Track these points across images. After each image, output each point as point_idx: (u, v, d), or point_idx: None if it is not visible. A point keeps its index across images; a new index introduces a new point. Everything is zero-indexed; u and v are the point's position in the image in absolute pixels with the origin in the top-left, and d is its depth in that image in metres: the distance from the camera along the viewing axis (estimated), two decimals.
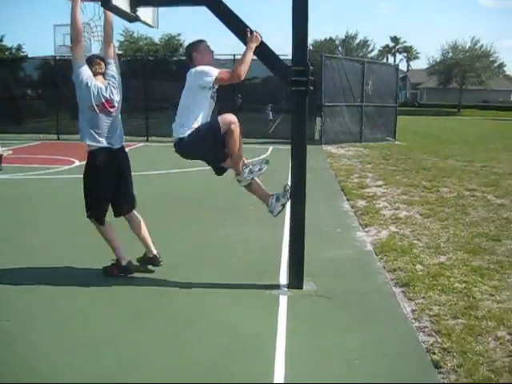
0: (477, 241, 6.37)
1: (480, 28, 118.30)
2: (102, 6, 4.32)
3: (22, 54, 43.09)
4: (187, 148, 4.61)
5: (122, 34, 49.88)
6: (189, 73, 4.55)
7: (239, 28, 4.47)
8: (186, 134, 4.53)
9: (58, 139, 20.45)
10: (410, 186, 10.06)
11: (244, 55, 4.42)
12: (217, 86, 4.61)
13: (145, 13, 5.08)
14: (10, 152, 12.78)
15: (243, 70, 4.39)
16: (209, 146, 4.62)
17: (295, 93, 4.44)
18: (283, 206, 4.86)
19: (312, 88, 4.53)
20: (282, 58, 4.83)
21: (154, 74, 23.28)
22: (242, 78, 4.43)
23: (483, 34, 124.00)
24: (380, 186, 10.10)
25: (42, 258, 5.63)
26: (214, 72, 4.42)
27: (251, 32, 4.43)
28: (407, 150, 16.78)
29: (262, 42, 4.45)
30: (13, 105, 22.79)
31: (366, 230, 6.94)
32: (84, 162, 5.10)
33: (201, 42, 4.75)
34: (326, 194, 9.52)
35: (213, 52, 4.77)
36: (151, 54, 44.98)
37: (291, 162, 4.73)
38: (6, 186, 10.23)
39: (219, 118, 4.57)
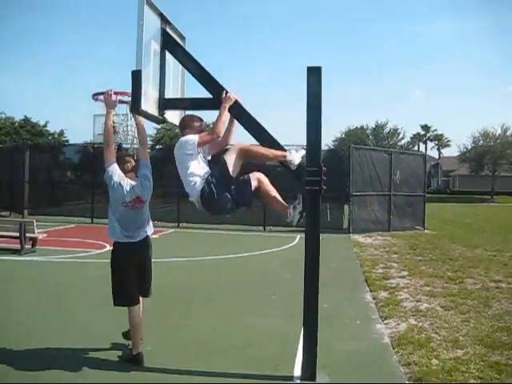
0: (497, 335, 6.37)
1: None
2: (130, 111, 4.75)
3: (63, 138, 45.29)
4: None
5: None
6: (175, 147, 4.94)
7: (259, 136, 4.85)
8: (199, 190, 4.84)
9: (92, 222, 21.07)
10: (434, 277, 10.08)
11: (219, 115, 4.85)
12: (207, 151, 5.10)
13: (172, 115, 5.52)
14: (45, 235, 13.32)
15: (221, 128, 4.85)
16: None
17: (309, 192, 4.72)
18: (301, 214, 5.04)
19: (325, 187, 4.80)
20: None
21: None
22: (221, 135, 4.90)
23: None
24: (404, 277, 10.15)
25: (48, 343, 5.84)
26: (194, 138, 4.84)
27: (226, 92, 4.88)
28: (435, 239, 16.79)
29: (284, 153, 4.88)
30: (52, 188, 23.80)
31: (386, 322, 7.00)
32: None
33: (195, 119, 5.18)
34: (349, 285, 9.60)
35: (202, 122, 5.21)
36: None
37: (304, 261, 4.90)
38: (35, 268, 10.65)
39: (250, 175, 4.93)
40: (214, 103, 4.94)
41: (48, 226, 18.39)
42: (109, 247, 13.06)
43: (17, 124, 45.86)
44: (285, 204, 5.03)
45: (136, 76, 4.54)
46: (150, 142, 37.50)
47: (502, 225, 23.50)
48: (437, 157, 79.76)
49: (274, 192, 5.01)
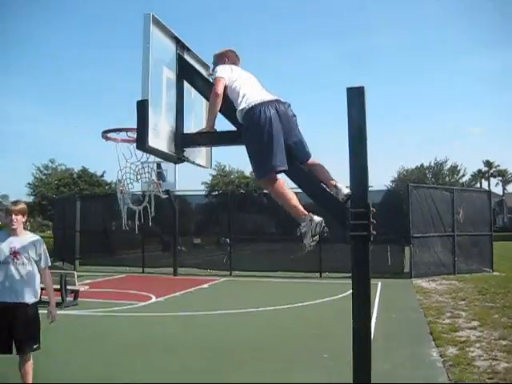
0: None
1: None
2: (137, 148, 4.07)
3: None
4: None
5: (214, 168, 51.90)
6: None
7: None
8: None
9: (143, 272, 20.62)
10: (510, 328, 8.89)
11: None
12: None
13: (195, 153, 4.83)
14: (87, 287, 12.79)
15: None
16: None
17: (355, 238, 3.88)
18: (313, 238, 4.05)
19: (375, 232, 3.96)
20: None
21: (243, 207, 23.67)
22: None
23: None
24: (474, 328, 8.98)
25: None
26: None
27: None
28: (507, 282, 15.35)
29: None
30: (105, 237, 23.57)
31: None
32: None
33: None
34: (411, 340, 8.53)
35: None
36: (242, 186, 46.28)
37: (352, 325, 3.96)
38: (70, 322, 9.96)
39: None
40: (238, 136, 4.21)
41: (98, 275, 18.06)
42: (154, 299, 12.51)
43: (75, 175, 46.87)
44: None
45: (141, 107, 3.87)
46: (205, 189, 37.36)
47: None
48: (501, 193, 76.69)
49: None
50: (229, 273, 19.50)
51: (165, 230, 22.01)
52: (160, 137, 4.12)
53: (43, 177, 48.57)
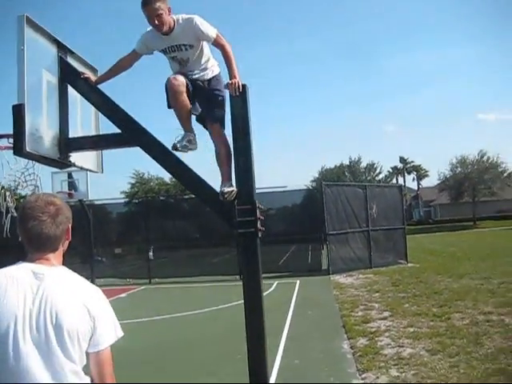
0: (493, 379, 5.50)
1: (486, 139, 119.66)
2: (14, 153, 3.87)
3: None
4: None
5: (132, 177, 50.98)
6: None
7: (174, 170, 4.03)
8: None
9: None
10: (418, 316, 9.20)
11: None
12: None
13: (83, 158, 4.67)
14: None
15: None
16: None
17: (243, 235, 3.86)
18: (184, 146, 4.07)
19: (263, 228, 3.96)
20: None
21: (165, 214, 23.47)
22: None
23: (491, 145, 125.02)
24: (385, 319, 9.23)
25: None
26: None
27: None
28: (419, 272, 15.92)
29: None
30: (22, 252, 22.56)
31: (363, 376, 6.09)
32: None
33: None
34: (324, 333, 8.68)
35: None
36: (162, 194, 45.71)
37: (245, 322, 3.93)
38: None
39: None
40: (123, 138, 4.12)
41: None
42: None
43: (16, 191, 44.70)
44: None
45: (17, 111, 3.71)
46: (124, 199, 36.73)
47: (487, 251, 22.68)
48: (416, 188, 79.66)
49: None
50: (148, 281, 19.17)
51: (82, 241, 21.40)
52: (41, 142, 3.95)
53: None
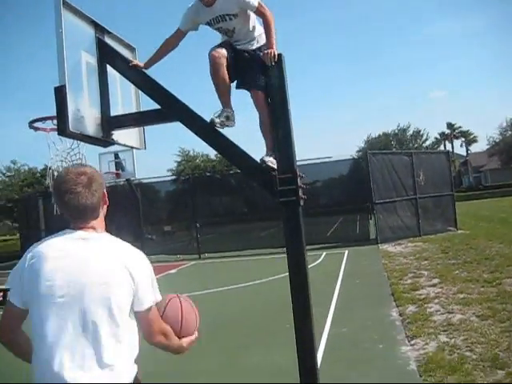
0: None
1: None
2: (58, 134, 3.99)
3: None
4: None
5: (178, 154, 51.51)
6: None
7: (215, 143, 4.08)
8: None
9: None
10: (468, 282, 9.09)
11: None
12: None
13: (126, 135, 4.76)
14: None
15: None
16: None
17: (285, 205, 3.89)
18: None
19: (305, 197, 3.97)
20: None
21: (211, 190, 23.68)
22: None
23: None
24: (435, 286, 9.16)
25: None
26: None
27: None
28: (469, 239, 15.65)
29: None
30: None
31: (412, 342, 6.07)
32: None
33: None
34: (373, 302, 8.66)
35: None
36: (208, 170, 46.07)
37: (290, 291, 3.95)
38: None
39: None
40: (163, 114, 4.18)
41: None
42: None
43: (38, 174, 46.02)
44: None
45: (59, 93, 3.80)
46: (171, 177, 37.14)
47: None
48: (465, 154, 77.74)
49: None
50: (198, 256, 19.46)
51: (131, 219, 21.82)
52: (83, 121, 4.05)
53: (6, 179, 47.62)
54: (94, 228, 2.26)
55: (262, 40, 4.20)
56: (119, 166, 17.93)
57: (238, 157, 4.09)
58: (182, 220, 23.86)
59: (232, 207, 24.60)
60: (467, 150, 78.15)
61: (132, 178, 18.92)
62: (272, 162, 3.90)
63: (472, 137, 76.08)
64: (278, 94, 3.92)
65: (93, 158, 19.76)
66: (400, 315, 7.45)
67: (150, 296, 2.23)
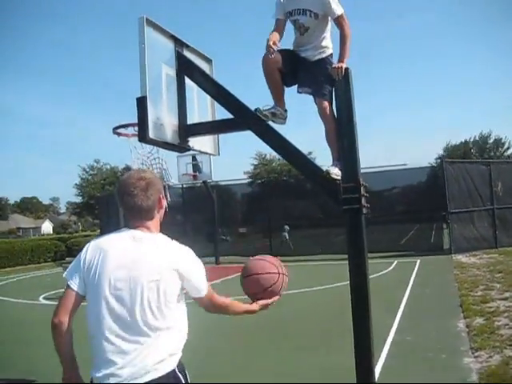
0: None
1: None
2: (139, 140, 4.35)
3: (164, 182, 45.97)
4: None
5: (255, 158, 51.94)
6: None
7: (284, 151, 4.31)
8: None
9: None
10: None
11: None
12: None
13: (201, 142, 5.09)
14: None
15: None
16: None
17: (348, 212, 4.06)
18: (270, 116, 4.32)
19: (368, 205, 4.12)
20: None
21: (287, 194, 23.87)
22: None
23: None
24: (506, 299, 8.98)
25: None
26: None
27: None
28: None
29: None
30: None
31: (476, 354, 6.05)
32: None
33: None
34: (440, 312, 8.62)
35: None
36: (284, 174, 46.22)
37: (351, 300, 4.10)
38: None
39: None
40: (236, 123, 4.46)
41: None
42: None
43: (119, 173, 47.58)
44: None
45: (141, 103, 4.15)
46: (247, 179, 37.69)
47: None
48: None
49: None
50: None
51: (207, 220, 22.30)
52: (162, 129, 4.39)
53: (89, 177, 49.60)
54: (148, 228, 2.53)
55: (328, 52, 4.38)
56: (196, 168, 18.50)
57: (305, 165, 4.32)
58: (256, 222, 24.17)
59: (307, 211, 24.62)
60: None
61: (208, 180, 19.42)
62: (336, 173, 4.07)
63: None
64: (345, 108, 4.10)
65: (171, 159, 20.36)
66: (467, 327, 7.40)
67: (204, 285, 2.56)
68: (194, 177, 18.79)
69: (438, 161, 47.46)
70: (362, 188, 4.07)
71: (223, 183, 25.43)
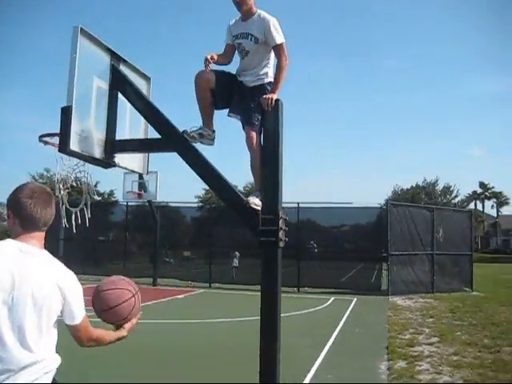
0: None
1: None
2: (58, 151, 4.19)
3: (113, 198, 45.20)
4: None
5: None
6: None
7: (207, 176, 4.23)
8: None
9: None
10: (467, 345, 8.96)
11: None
12: None
13: (129, 159, 4.95)
14: None
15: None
16: None
17: (264, 244, 3.98)
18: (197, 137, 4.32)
19: (286, 239, 4.06)
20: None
21: (236, 222, 23.70)
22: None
23: None
24: (431, 344, 9.05)
25: None
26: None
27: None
28: (482, 302, 15.40)
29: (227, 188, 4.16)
30: (93, 247, 23.43)
31: None
32: None
33: None
34: (366, 352, 8.61)
35: None
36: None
37: (260, 333, 4.00)
38: None
39: None
40: (164, 143, 4.36)
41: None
42: None
43: (69, 185, 46.51)
44: None
45: (65, 112, 4.01)
46: (195, 203, 37.50)
47: None
48: (495, 216, 76.52)
49: None
50: (208, 285, 19.52)
51: (149, 241, 21.95)
52: (86, 142, 4.24)
53: None
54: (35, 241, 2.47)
55: (262, 81, 4.35)
56: (142, 186, 18.25)
57: (226, 192, 4.24)
58: (201, 247, 23.94)
59: (251, 241, 24.48)
60: (498, 211, 77.05)
61: (154, 200, 19.18)
62: (256, 203, 4.01)
63: (504, 199, 75.07)
64: (271, 138, 4.09)
65: (114, 176, 19.96)
66: (388, 369, 7.39)
67: (81, 312, 2.48)
68: (139, 195, 18.51)
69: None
70: (280, 221, 4.01)
71: (173, 205, 25.23)
